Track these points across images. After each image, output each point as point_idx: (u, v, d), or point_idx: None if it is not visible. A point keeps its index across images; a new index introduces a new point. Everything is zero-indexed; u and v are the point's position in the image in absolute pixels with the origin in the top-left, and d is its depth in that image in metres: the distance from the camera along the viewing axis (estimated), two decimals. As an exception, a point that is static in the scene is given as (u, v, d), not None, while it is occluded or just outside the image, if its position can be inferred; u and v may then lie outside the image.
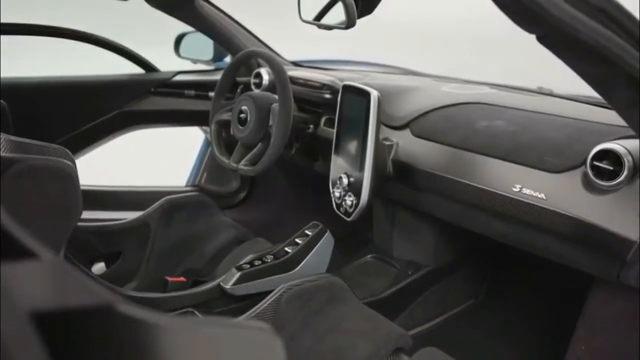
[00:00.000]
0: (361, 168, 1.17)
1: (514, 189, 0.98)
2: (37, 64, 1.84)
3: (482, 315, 1.49)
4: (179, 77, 1.81)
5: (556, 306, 1.43)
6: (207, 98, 1.77)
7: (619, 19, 0.57)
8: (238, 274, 1.17)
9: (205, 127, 1.92)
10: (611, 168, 0.85)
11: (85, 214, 1.02)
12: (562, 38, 0.59)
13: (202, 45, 1.82)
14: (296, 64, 1.81)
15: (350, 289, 1.11)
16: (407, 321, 1.37)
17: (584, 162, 0.90)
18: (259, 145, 1.35)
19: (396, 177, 1.22)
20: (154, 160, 2.25)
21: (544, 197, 0.93)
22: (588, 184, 0.89)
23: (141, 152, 2.22)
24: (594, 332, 1.03)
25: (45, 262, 0.21)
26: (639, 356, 0.94)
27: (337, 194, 1.25)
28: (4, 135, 0.77)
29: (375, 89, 1.17)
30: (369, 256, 1.54)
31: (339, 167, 1.27)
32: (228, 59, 1.84)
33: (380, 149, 1.19)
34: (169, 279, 1.29)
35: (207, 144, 2.02)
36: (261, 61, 1.66)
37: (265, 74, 1.58)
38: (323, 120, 1.47)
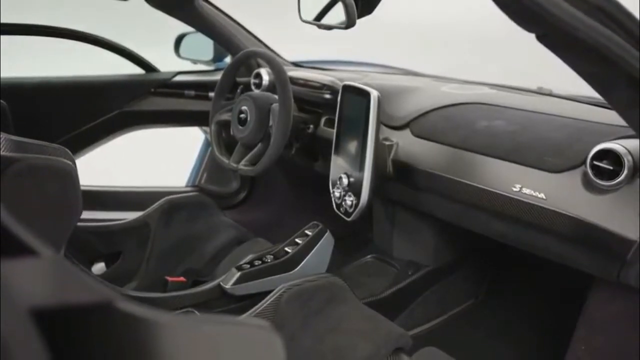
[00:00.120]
0: (361, 168, 1.17)
1: (514, 189, 0.98)
2: (37, 64, 1.84)
3: (482, 315, 1.49)
4: (179, 78, 1.81)
5: (556, 306, 1.43)
6: (207, 98, 1.77)
7: (618, 18, 0.57)
8: (238, 274, 1.17)
9: (205, 128, 1.92)
10: (611, 168, 0.85)
11: (85, 214, 1.02)
12: (561, 37, 0.59)
13: (202, 46, 1.82)
14: (296, 64, 1.81)
15: (350, 289, 1.11)
16: (407, 321, 1.37)
17: (584, 162, 0.90)
18: (259, 145, 1.35)
19: (396, 177, 1.22)
20: (154, 160, 2.25)
21: (544, 197, 0.93)
22: (588, 184, 0.89)
23: (141, 153, 2.22)
24: (594, 332, 1.03)
25: (45, 260, 0.21)
26: (639, 356, 0.94)
27: (337, 194, 1.25)
28: (4, 135, 0.77)
29: (375, 89, 1.17)
30: (369, 256, 1.54)
31: (339, 167, 1.27)
32: (228, 60, 1.84)
33: (380, 149, 1.19)
34: (169, 279, 1.29)
35: (207, 144, 2.02)
36: (261, 61, 1.66)
37: (265, 74, 1.58)
38: (323, 120, 1.47)
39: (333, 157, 1.29)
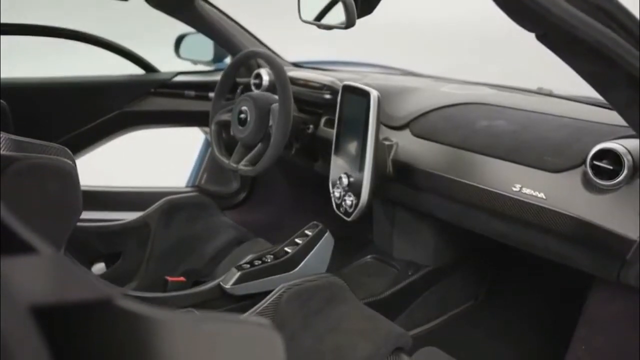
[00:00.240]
0: (361, 168, 1.17)
1: (514, 189, 0.98)
2: (37, 64, 1.84)
3: (482, 315, 1.49)
4: (179, 78, 1.81)
5: (556, 306, 1.43)
6: (207, 99, 1.77)
7: (618, 17, 0.57)
8: (238, 274, 1.17)
9: (205, 128, 1.92)
10: (611, 167, 0.85)
11: (85, 214, 1.02)
12: (561, 36, 0.59)
13: (202, 47, 1.82)
14: (296, 64, 1.81)
15: (351, 289, 1.11)
16: (407, 321, 1.36)
17: (584, 162, 0.90)
18: (259, 145, 1.35)
19: (396, 177, 1.22)
20: (154, 160, 2.25)
21: (544, 197, 0.93)
22: (588, 184, 0.89)
23: (141, 153, 2.22)
24: (594, 332, 1.03)
25: (45, 257, 0.21)
26: (639, 356, 0.94)
27: (337, 194, 1.25)
28: (4, 134, 0.77)
29: (375, 89, 1.17)
30: (369, 256, 1.53)
31: (338, 167, 1.27)
32: (228, 60, 1.85)
33: (380, 149, 1.19)
34: (169, 278, 1.29)
35: (207, 144, 2.02)
36: (261, 62, 1.66)
37: (265, 75, 1.58)
38: (323, 120, 1.47)
39: (333, 157, 1.29)
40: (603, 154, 0.87)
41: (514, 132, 1.06)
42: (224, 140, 1.48)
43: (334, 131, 1.30)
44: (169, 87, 1.79)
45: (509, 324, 1.46)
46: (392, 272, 1.45)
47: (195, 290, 1.20)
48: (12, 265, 0.20)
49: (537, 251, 1.02)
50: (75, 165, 0.92)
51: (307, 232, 1.28)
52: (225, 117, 1.43)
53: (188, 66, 1.89)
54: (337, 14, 1.01)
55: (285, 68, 1.32)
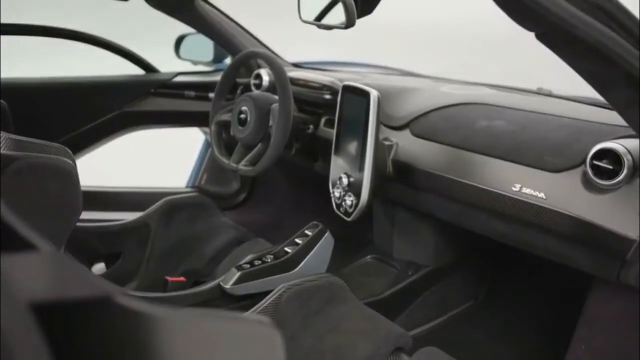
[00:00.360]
0: (361, 168, 1.17)
1: (514, 189, 0.98)
2: (37, 64, 1.84)
3: (482, 315, 1.49)
4: (179, 78, 1.81)
5: (556, 306, 1.43)
6: (207, 99, 1.77)
7: (618, 17, 0.57)
8: (238, 274, 1.17)
9: (205, 128, 1.92)
10: (611, 167, 0.85)
11: (85, 214, 1.02)
12: (561, 35, 0.60)
13: (202, 47, 1.82)
14: (296, 65, 1.81)
15: (351, 289, 1.11)
16: (407, 321, 1.36)
17: (584, 162, 0.90)
18: (259, 145, 1.35)
19: (396, 177, 1.22)
20: (154, 161, 2.25)
21: (544, 197, 0.93)
22: (588, 183, 0.89)
23: (141, 153, 2.22)
24: (594, 332, 1.03)
25: (45, 254, 0.21)
26: (639, 356, 0.94)
27: (337, 194, 1.25)
28: (4, 134, 0.77)
29: (375, 89, 1.17)
30: (369, 256, 1.53)
31: (338, 167, 1.27)
32: (228, 61, 1.85)
33: (380, 149, 1.19)
34: (169, 278, 1.29)
35: (207, 145, 2.02)
36: (261, 62, 1.66)
37: (265, 75, 1.59)
38: (323, 120, 1.47)
39: (333, 158, 1.29)
40: (603, 154, 0.87)
41: (514, 132, 1.06)
42: (224, 141, 1.48)
43: (334, 131, 1.30)
44: (169, 87, 1.79)
45: (509, 324, 1.46)
46: (392, 272, 1.45)
47: (195, 290, 1.20)
48: (12, 262, 0.20)
49: (537, 251, 1.02)
50: (75, 165, 0.92)
51: (307, 232, 1.28)
52: (225, 117, 1.44)
53: (188, 66, 1.89)
54: (337, 14, 1.01)
55: (285, 68, 1.32)
